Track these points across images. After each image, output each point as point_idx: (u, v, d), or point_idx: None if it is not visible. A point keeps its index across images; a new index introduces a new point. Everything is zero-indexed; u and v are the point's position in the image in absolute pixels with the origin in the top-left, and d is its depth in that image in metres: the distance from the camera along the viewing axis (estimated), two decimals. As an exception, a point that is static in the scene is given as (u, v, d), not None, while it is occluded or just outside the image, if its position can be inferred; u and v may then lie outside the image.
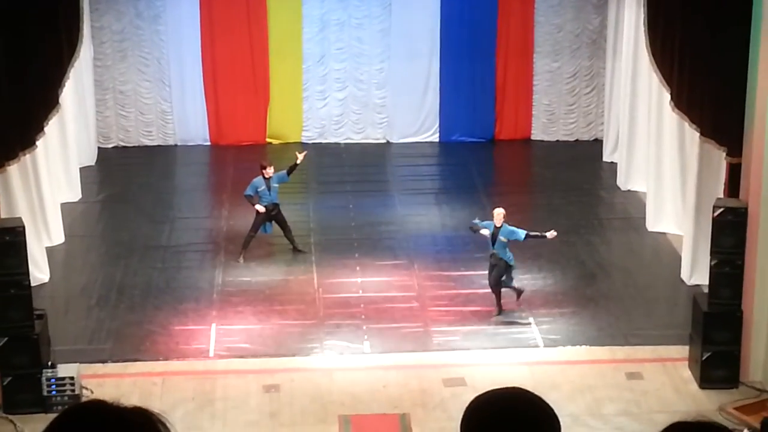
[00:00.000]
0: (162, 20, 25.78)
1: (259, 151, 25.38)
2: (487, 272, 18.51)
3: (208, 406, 15.94)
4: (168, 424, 3.37)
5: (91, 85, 24.93)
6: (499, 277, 18.33)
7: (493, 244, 18.29)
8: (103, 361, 16.95)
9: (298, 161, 20.30)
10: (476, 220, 18.71)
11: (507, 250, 18.25)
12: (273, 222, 20.30)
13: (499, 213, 18.38)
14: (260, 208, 20.01)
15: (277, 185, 20.14)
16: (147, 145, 26.24)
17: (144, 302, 18.78)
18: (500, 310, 18.30)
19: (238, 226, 21.24)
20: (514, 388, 3.77)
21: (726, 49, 16.31)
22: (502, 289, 18.35)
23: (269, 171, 20.14)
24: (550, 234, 18.20)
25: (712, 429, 3.53)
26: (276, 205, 20.19)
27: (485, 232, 18.31)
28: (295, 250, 20.43)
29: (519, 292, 18.45)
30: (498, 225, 18.29)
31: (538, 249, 19.99)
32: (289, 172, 20.26)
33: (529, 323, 18.01)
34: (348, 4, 26.09)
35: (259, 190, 20.08)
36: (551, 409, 3.67)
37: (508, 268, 18.35)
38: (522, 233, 18.21)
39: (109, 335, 17.72)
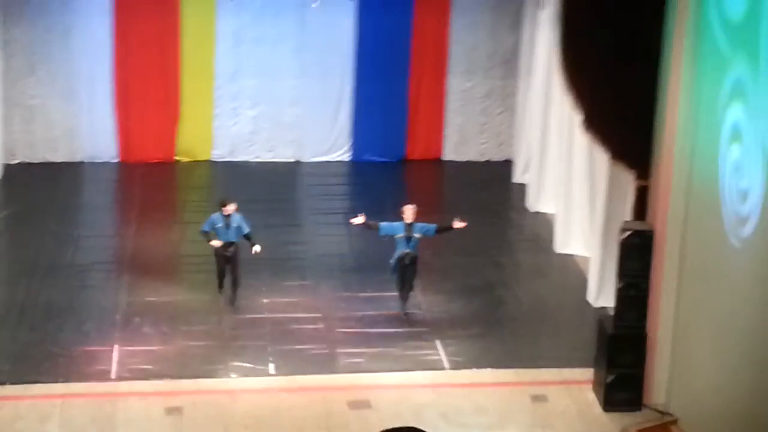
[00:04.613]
0: (73, 34, 25.36)
1: (168, 169, 25.10)
2: (396, 292, 18.58)
3: (108, 429, 15.63)
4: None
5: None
6: (413, 279, 18.65)
7: (408, 243, 18.30)
8: (2, 383, 16.54)
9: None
10: (383, 223, 18.60)
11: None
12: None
13: (410, 209, 18.47)
14: (216, 243, 19.14)
15: (236, 226, 19.10)
16: (53, 161, 25.79)
17: (45, 323, 18.39)
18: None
19: (144, 245, 20.89)
20: (409, 428, 3.78)
21: (636, 75, 16.32)
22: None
23: (230, 208, 19.15)
24: (458, 224, 18.48)
25: None
26: (233, 244, 19.17)
27: (398, 234, 18.40)
28: (228, 302, 19.26)
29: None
30: (409, 222, 18.32)
31: (445, 271, 19.93)
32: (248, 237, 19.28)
33: (436, 345, 17.91)
34: (263, 21, 25.85)
35: (216, 227, 19.12)
36: None
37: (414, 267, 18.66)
38: (433, 227, 18.55)
39: (8, 357, 17.30)
